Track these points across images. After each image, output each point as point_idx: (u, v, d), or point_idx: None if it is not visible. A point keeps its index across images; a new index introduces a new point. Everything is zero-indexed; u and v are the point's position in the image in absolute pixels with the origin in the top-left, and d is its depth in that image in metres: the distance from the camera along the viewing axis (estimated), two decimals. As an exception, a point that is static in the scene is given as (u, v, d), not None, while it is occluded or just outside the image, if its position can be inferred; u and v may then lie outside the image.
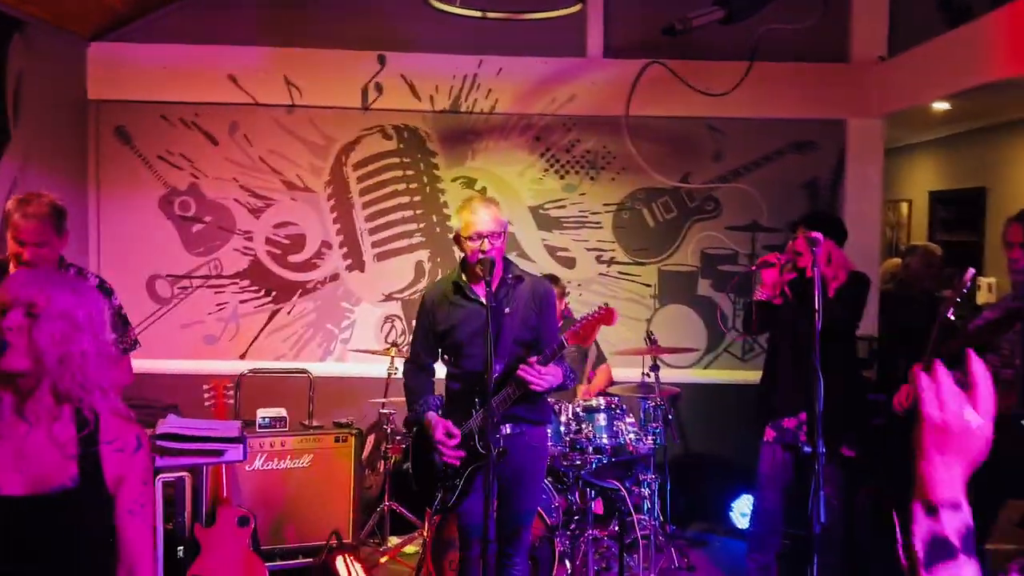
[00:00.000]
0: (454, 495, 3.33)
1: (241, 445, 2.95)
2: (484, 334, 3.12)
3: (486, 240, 3.15)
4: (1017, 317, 3.18)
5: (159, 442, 2.76)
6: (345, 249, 5.46)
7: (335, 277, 5.47)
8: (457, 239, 3.31)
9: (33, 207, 3.14)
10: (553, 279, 4.76)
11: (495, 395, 3.14)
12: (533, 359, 3.17)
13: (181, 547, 4.17)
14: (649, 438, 4.46)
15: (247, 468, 4.23)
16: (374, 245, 5.48)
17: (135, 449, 1.94)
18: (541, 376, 3.17)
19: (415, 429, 3.49)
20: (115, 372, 2.60)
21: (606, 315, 3.26)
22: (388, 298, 5.49)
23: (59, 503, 1.84)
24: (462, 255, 3.38)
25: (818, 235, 3.34)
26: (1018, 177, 6.56)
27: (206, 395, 4.16)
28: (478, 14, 3.83)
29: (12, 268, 3.18)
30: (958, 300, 3.20)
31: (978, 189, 7.06)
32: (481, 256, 3.14)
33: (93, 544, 1.92)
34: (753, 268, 4.01)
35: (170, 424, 2.80)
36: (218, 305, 5.42)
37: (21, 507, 1.82)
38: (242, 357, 5.39)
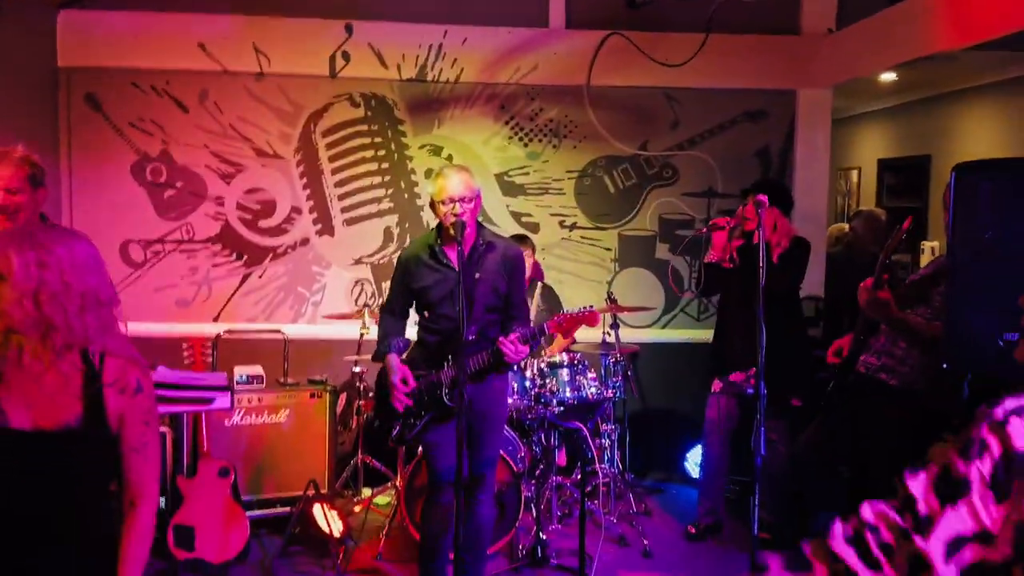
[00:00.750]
0: (411, 432, 3.59)
1: (228, 393, 3.14)
2: (455, 297, 3.36)
3: (457, 204, 3.36)
4: (946, 272, 3.46)
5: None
6: (315, 215, 5.61)
7: (305, 242, 5.62)
8: (432, 204, 3.50)
9: (6, 157, 3.27)
10: (522, 238, 4.99)
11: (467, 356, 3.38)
12: (513, 335, 3.41)
13: (163, 497, 4.36)
14: (609, 391, 4.73)
15: (226, 423, 4.42)
16: (343, 211, 5.63)
17: (135, 391, 2.11)
18: (518, 352, 3.43)
19: (381, 368, 3.73)
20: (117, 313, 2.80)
21: (590, 316, 3.57)
22: (358, 262, 5.66)
23: (63, 440, 2.01)
24: (437, 220, 3.58)
25: (763, 198, 3.59)
26: (962, 145, 6.87)
27: (185, 353, 4.32)
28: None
29: None
30: (896, 245, 3.47)
31: (924, 157, 7.38)
32: (453, 219, 3.34)
33: (94, 482, 2.11)
34: (703, 231, 4.26)
35: (161, 375, 2.98)
36: (190, 269, 5.55)
37: (27, 441, 1.99)
38: (215, 320, 5.53)
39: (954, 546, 1.29)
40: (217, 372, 3.86)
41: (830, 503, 4.06)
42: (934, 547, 1.30)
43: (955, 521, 1.30)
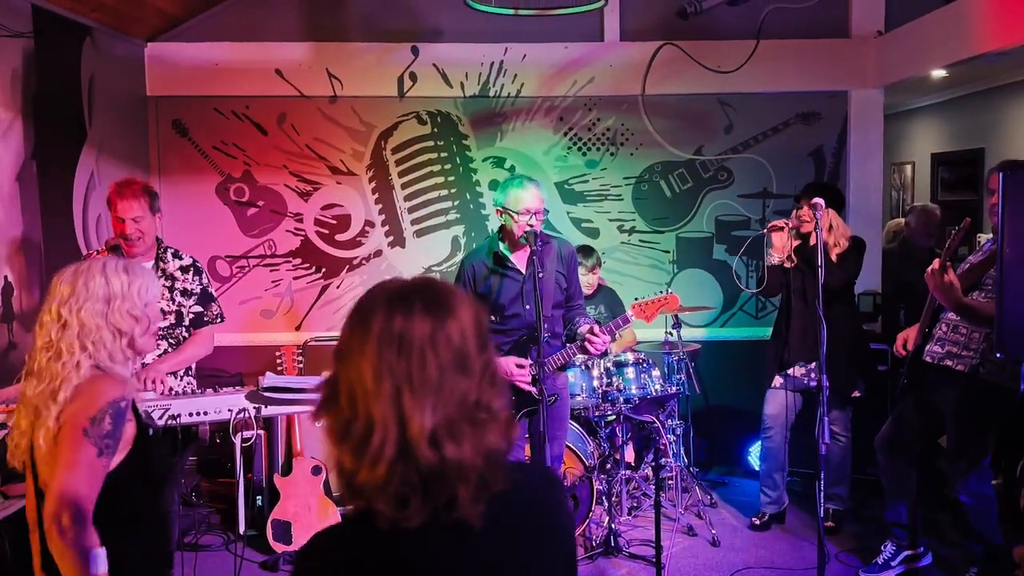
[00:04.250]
0: None
1: (331, 395, 3.44)
2: (528, 299, 3.64)
3: (534, 216, 3.63)
4: (996, 257, 3.61)
5: (265, 393, 3.27)
6: (387, 227, 5.93)
7: (378, 253, 5.94)
8: (503, 212, 3.75)
9: (128, 188, 3.65)
10: (588, 250, 5.23)
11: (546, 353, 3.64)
12: (598, 329, 3.67)
13: (260, 496, 4.71)
14: (674, 388, 4.95)
15: (317, 424, 4.73)
16: (413, 223, 5.94)
17: None
18: (604, 343, 3.69)
19: None
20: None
21: (671, 300, 3.82)
22: (427, 271, 5.96)
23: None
24: (501, 226, 3.84)
25: (820, 201, 3.80)
26: (1015, 137, 6.93)
27: (277, 360, 4.65)
28: (511, 11, 4.25)
29: (123, 247, 3.67)
30: (957, 245, 3.64)
31: (977, 150, 7.44)
32: (528, 229, 3.61)
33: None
34: (764, 231, 4.46)
35: (271, 379, 3.30)
36: (273, 282, 5.91)
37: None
38: (297, 329, 5.89)
39: None
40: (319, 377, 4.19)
41: (908, 493, 4.20)
42: None
43: None
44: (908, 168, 9.00)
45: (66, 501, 1.92)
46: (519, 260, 3.83)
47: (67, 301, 2.08)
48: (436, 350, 1.24)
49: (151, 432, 2.22)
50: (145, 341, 2.18)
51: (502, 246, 3.84)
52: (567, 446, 4.25)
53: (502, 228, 3.86)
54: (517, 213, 3.66)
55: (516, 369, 3.72)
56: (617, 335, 4.01)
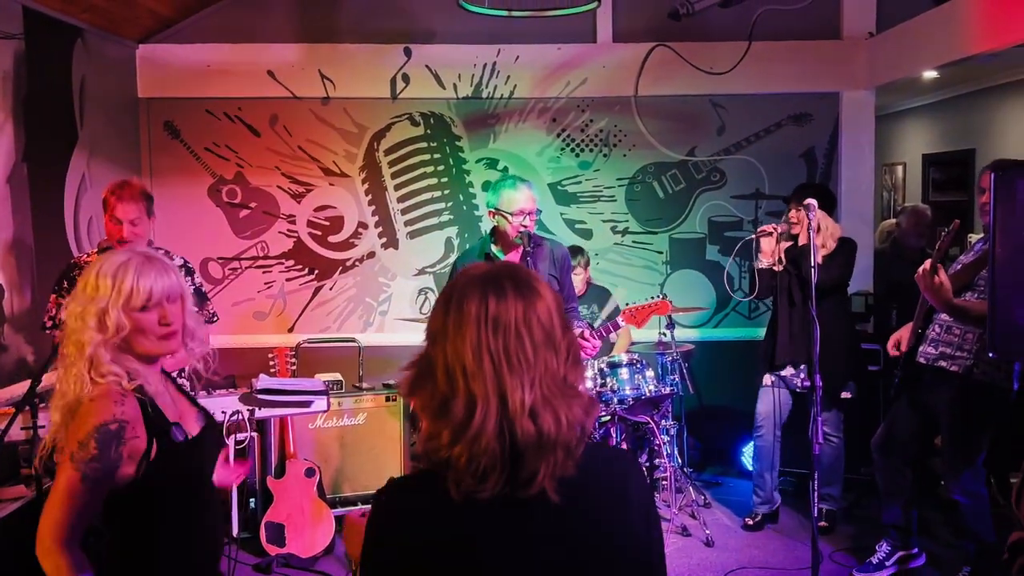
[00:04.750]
0: None
1: (326, 397, 3.44)
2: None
3: (527, 217, 3.63)
4: (988, 257, 3.63)
5: (259, 395, 3.26)
6: (380, 229, 5.92)
7: (372, 255, 5.93)
8: (496, 213, 3.74)
9: (127, 190, 3.63)
10: (577, 250, 5.24)
11: None
12: (589, 333, 3.67)
13: (253, 498, 4.69)
14: (667, 388, 4.95)
15: (309, 427, 4.73)
16: (406, 224, 5.93)
17: None
18: (594, 348, 3.69)
19: None
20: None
21: (662, 305, 3.81)
22: (421, 272, 5.95)
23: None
24: (494, 226, 3.83)
25: (812, 202, 3.81)
26: (1005, 138, 6.97)
27: (270, 362, 4.64)
28: (504, 13, 4.25)
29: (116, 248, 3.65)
30: (947, 248, 3.65)
31: (968, 151, 7.48)
32: (522, 230, 3.61)
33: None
34: (753, 238, 4.47)
35: (265, 381, 3.29)
36: (266, 284, 5.90)
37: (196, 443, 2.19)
38: (290, 331, 5.87)
39: None
40: (314, 379, 4.18)
41: (904, 494, 4.21)
42: None
43: None
44: (899, 169, 9.04)
45: (46, 525, 1.92)
46: (511, 260, 3.83)
47: (67, 302, 2.04)
48: (529, 329, 1.33)
49: (184, 438, 2.09)
50: (150, 345, 2.06)
51: (494, 247, 3.84)
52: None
53: (495, 229, 3.85)
54: (511, 214, 3.66)
55: None
56: (612, 339, 4.00)
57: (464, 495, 1.29)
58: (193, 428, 2.15)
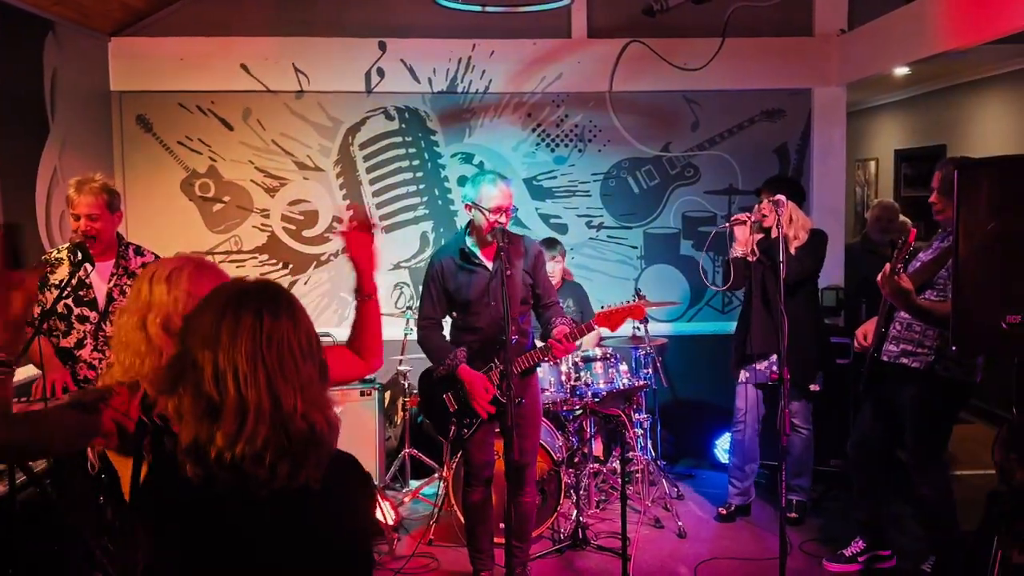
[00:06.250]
0: (470, 431, 3.86)
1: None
2: (495, 295, 3.65)
3: (503, 213, 3.65)
4: (948, 255, 3.69)
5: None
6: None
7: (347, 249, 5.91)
8: (473, 207, 3.75)
9: (86, 186, 3.61)
10: (551, 242, 5.26)
11: (515, 351, 3.66)
12: (561, 334, 3.69)
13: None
14: (641, 382, 4.99)
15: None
16: (382, 218, 5.93)
17: None
18: (567, 349, 3.71)
19: (424, 374, 4.00)
20: None
21: (637, 309, 3.82)
22: (396, 266, 5.95)
23: None
24: (469, 221, 3.84)
25: (781, 197, 3.85)
26: (975, 133, 7.07)
27: (245, 358, 4.63)
28: (479, 8, 4.26)
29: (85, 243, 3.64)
30: (905, 255, 3.72)
31: (939, 146, 7.58)
32: (497, 226, 3.62)
33: None
34: (726, 226, 4.50)
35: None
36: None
37: None
38: (264, 325, 5.84)
39: None
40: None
41: (888, 489, 4.27)
42: None
43: None
44: (872, 164, 9.14)
45: None
46: (486, 257, 3.85)
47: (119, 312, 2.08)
48: (298, 344, 1.50)
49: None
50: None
51: (469, 242, 3.85)
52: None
53: (470, 223, 3.87)
54: (488, 210, 3.66)
55: (484, 392, 3.76)
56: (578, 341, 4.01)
57: (256, 487, 1.46)
58: None
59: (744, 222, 4.56)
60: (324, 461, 1.51)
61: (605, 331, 4.05)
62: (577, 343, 3.87)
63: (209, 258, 5.75)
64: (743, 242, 4.65)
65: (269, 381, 1.46)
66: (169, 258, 2.10)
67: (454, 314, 3.93)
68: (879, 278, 3.67)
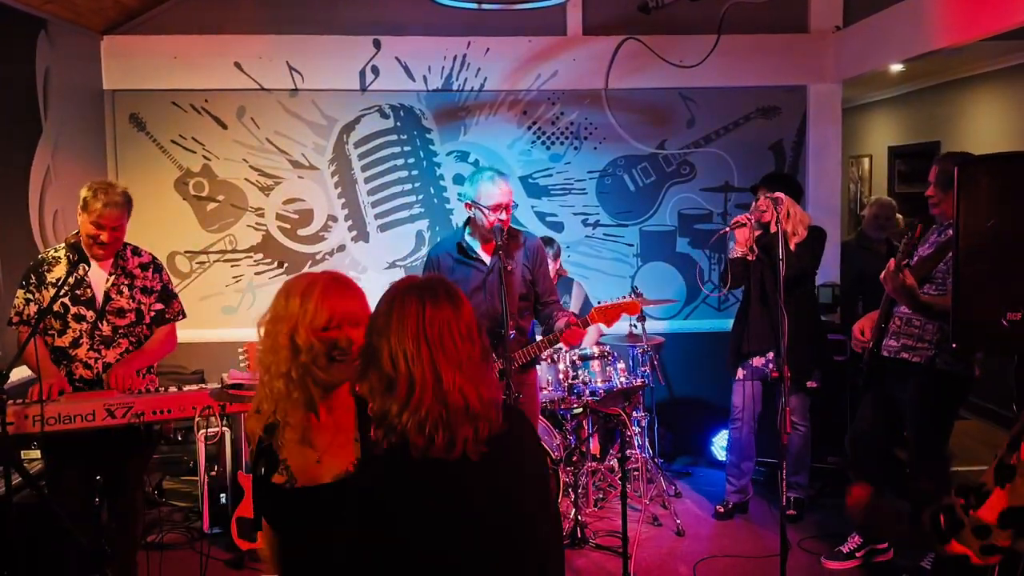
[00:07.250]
0: None
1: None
2: (489, 291, 3.64)
3: (504, 210, 3.63)
4: (946, 249, 3.70)
5: (231, 390, 3.23)
6: (350, 222, 5.89)
7: (342, 248, 5.90)
8: (472, 206, 3.73)
9: (112, 196, 3.58)
10: (548, 241, 5.25)
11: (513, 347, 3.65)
12: (571, 319, 3.69)
13: (224, 493, 4.67)
14: (638, 380, 4.99)
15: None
16: (377, 217, 5.91)
17: None
18: (578, 335, 3.73)
19: None
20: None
21: (632, 305, 3.82)
22: (392, 265, 5.93)
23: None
24: (469, 218, 3.82)
25: (780, 195, 3.85)
26: (970, 130, 7.08)
27: (241, 357, 4.61)
28: (474, 6, 4.24)
29: (87, 249, 3.61)
30: (910, 249, 3.72)
31: (934, 143, 7.59)
32: (497, 224, 3.61)
33: None
34: (727, 230, 4.50)
35: (236, 376, 3.27)
36: (234, 278, 5.84)
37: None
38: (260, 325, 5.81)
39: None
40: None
41: (886, 485, 4.27)
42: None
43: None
44: (866, 161, 9.15)
45: None
46: (485, 253, 3.84)
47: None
48: (458, 326, 1.69)
49: None
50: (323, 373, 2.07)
51: (468, 238, 3.84)
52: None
53: (470, 220, 3.85)
54: (488, 208, 3.65)
55: None
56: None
57: (421, 454, 1.63)
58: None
59: (745, 224, 4.55)
60: (482, 434, 1.66)
61: (602, 327, 4.04)
62: (586, 330, 3.88)
63: (203, 257, 5.77)
64: (743, 242, 4.64)
65: (432, 359, 1.64)
66: (307, 272, 2.10)
67: None
68: (882, 275, 3.67)
